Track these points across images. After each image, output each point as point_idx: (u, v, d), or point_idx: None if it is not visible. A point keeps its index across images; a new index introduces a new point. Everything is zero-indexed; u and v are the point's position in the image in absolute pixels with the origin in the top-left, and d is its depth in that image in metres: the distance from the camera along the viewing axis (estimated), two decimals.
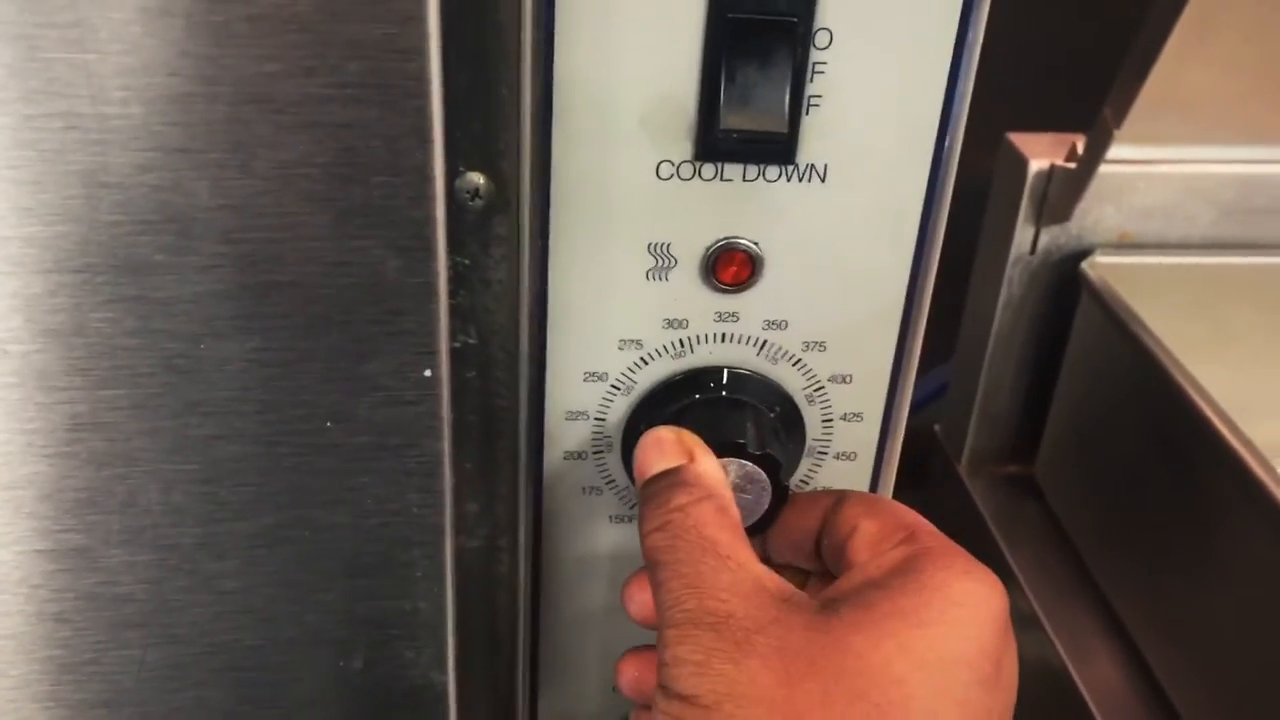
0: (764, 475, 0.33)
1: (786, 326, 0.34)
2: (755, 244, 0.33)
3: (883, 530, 0.32)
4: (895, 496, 0.39)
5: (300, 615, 0.31)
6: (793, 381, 0.35)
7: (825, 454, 0.36)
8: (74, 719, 0.30)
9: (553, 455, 0.35)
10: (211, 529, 0.30)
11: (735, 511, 0.32)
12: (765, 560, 0.32)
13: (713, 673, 0.28)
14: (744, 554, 0.30)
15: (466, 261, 0.32)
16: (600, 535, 0.37)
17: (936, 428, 0.76)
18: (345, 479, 0.30)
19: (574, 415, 0.35)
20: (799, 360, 0.35)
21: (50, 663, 0.30)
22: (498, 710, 0.37)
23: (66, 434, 0.28)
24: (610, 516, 0.37)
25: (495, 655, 0.37)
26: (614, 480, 0.36)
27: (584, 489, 0.36)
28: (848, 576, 0.31)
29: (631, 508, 0.37)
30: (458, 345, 0.33)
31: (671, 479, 0.32)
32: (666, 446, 0.32)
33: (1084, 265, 0.67)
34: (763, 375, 0.35)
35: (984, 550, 0.72)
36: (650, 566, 0.31)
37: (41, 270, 0.27)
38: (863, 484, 0.37)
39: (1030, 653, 0.69)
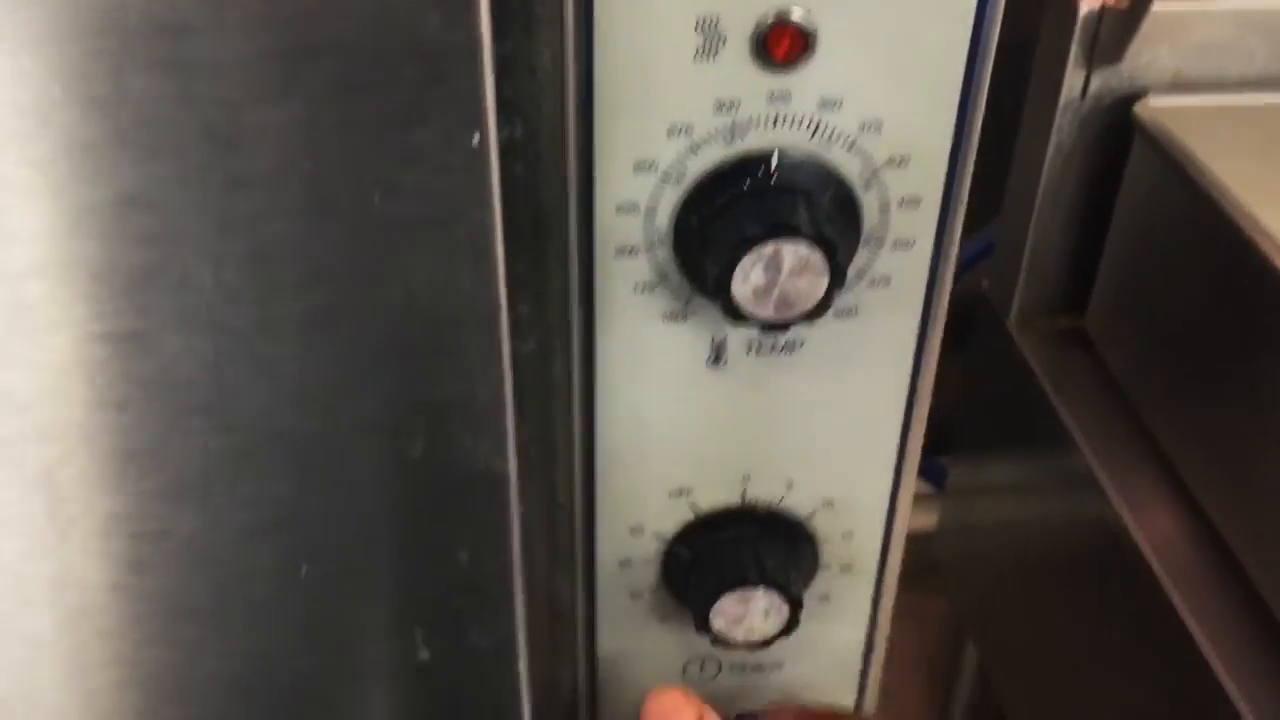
0: (821, 258, 0.33)
1: (841, 106, 0.33)
2: (808, 14, 0.32)
3: None
4: (941, 359, 0.38)
5: (358, 400, 0.31)
6: (848, 166, 0.34)
7: (883, 242, 0.35)
8: (139, 508, 0.31)
9: (603, 252, 0.35)
10: (266, 309, 0.29)
11: None
12: None
13: None
14: None
15: (510, 45, 0.31)
16: (654, 334, 0.37)
17: (985, 284, 0.74)
18: (396, 255, 0.29)
19: (625, 208, 0.34)
20: (854, 143, 0.34)
21: (113, 452, 0.30)
22: (553, 509, 0.37)
23: (113, 210, 0.28)
24: (663, 315, 0.36)
25: (550, 462, 0.37)
26: (667, 276, 0.35)
27: (636, 286, 0.36)
28: None
29: (686, 304, 0.36)
30: (504, 137, 0.32)
31: None
32: (682, 708, 0.38)
33: (1136, 108, 0.65)
34: (816, 158, 0.34)
35: (1035, 407, 0.71)
36: None
37: (76, 34, 0.26)
38: (921, 271, 0.36)
39: (1086, 510, 0.68)
